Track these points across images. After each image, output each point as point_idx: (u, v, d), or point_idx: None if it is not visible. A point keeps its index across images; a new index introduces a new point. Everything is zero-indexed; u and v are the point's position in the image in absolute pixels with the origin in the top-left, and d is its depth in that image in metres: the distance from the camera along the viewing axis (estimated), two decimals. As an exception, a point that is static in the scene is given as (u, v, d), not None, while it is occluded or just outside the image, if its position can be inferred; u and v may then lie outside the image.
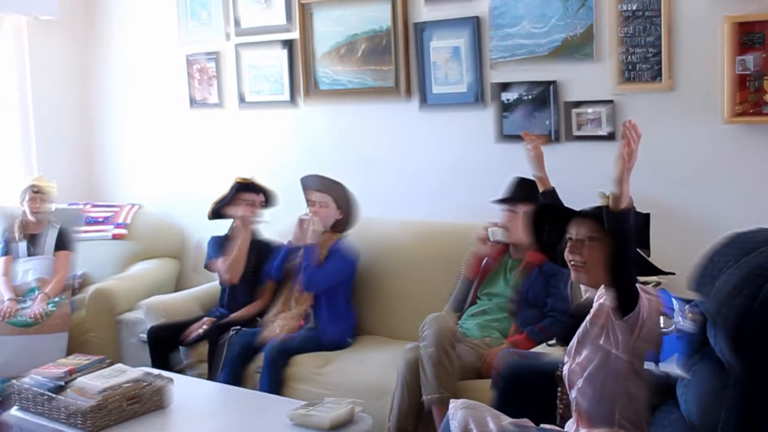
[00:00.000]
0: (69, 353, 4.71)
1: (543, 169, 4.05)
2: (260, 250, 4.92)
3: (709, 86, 3.99)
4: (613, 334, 2.79)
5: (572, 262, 2.90)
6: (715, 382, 2.57)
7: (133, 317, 5.34)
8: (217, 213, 4.97)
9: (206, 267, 5.13)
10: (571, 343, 2.95)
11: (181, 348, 4.79)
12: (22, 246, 5.41)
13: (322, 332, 4.56)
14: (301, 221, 4.62)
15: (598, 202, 3.25)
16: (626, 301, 2.74)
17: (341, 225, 4.79)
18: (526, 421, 2.94)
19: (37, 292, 5.22)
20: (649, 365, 2.83)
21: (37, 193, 5.38)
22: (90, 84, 6.51)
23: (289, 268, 4.73)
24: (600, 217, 2.84)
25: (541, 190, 4.03)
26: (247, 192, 4.96)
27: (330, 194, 4.73)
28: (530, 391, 3.25)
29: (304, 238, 4.59)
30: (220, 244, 5.01)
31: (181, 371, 4.60)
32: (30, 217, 5.39)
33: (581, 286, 3.13)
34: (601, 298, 2.89)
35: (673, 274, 3.01)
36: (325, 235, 4.69)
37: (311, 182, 4.79)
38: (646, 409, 2.84)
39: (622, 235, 2.73)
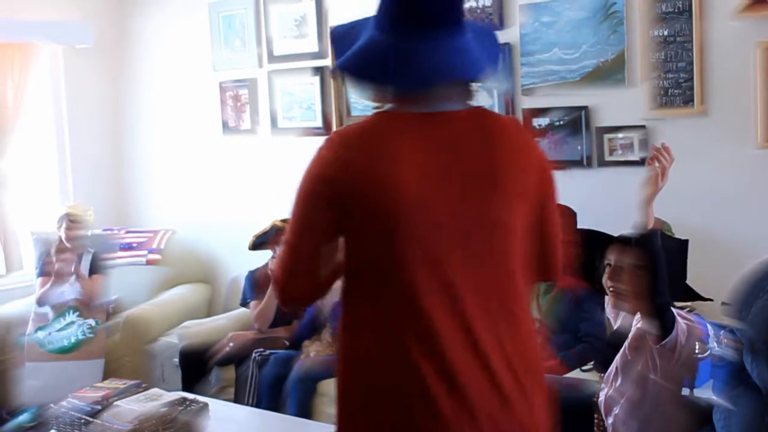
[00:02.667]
0: (104, 379, 4.76)
1: None
2: None
3: (742, 111, 3.98)
4: (652, 359, 2.77)
5: (612, 289, 2.87)
6: (756, 410, 2.55)
7: (166, 342, 5.37)
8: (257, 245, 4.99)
9: (242, 305, 5.16)
10: (609, 370, 2.93)
11: (214, 372, 4.81)
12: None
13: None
14: None
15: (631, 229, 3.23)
16: (663, 326, 2.72)
17: None
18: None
19: (73, 313, 5.28)
20: (684, 392, 2.81)
21: (73, 222, 5.45)
22: (124, 111, 6.59)
23: (319, 324, 4.69)
24: (638, 241, 2.82)
25: None
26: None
27: None
28: (566, 418, 3.23)
29: (326, 303, 4.50)
30: (256, 283, 5.02)
31: (212, 395, 4.62)
32: (66, 244, 5.46)
33: (611, 314, 3.12)
34: (639, 323, 2.87)
35: (711, 300, 3.00)
36: None
37: None
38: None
39: (654, 257, 2.71)
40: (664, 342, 2.73)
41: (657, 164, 2.79)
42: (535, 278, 2.08)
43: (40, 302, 5.34)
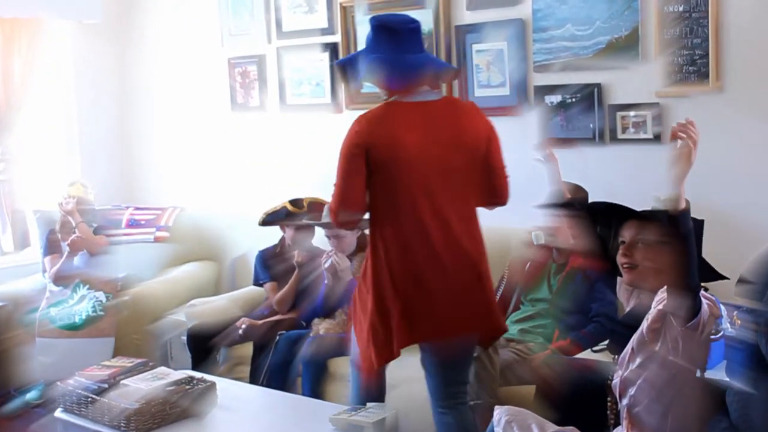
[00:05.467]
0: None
1: (559, 179, 3.98)
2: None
3: (758, 88, 3.92)
4: (673, 341, 2.69)
5: (627, 266, 2.80)
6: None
7: (173, 320, 5.35)
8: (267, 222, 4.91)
9: (255, 285, 5.11)
10: (624, 351, 2.87)
11: (221, 351, 4.79)
12: (64, 245, 5.47)
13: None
14: (328, 268, 4.47)
15: (648, 206, 3.17)
16: (693, 307, 2.65)
17: (365, 240, 4.67)
18: (572, 430, 2.89)
19: (82, 287, 5.27)
20: (697, 373, 2.77)
21: (70, 198, 5.46)
22: (132, 87, 6.56)
23: (330, 305, 4.64)
24: (671, 220, 2.73)
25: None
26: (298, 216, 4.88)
27: None
28: (578, 399, 3.21)
29: (339, 283, 4.46)
30: (268, 264, 4.97)
31: (220, 374, 4.60)
32: (69, 220, 5.45)
33: (623, 295, 3.07)
34: (660, 304, 2.78)
35: (728, 278, 2.95)
36: (358, 256, 4.59)
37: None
38: (699, 418, 2.78)
39: (687, 237, 2.64)
40: (690, 323, 2.64)
41: (687, 139, 2.68)
42: (487, 200, 3.45)
43: (56, 280, 5.33)
